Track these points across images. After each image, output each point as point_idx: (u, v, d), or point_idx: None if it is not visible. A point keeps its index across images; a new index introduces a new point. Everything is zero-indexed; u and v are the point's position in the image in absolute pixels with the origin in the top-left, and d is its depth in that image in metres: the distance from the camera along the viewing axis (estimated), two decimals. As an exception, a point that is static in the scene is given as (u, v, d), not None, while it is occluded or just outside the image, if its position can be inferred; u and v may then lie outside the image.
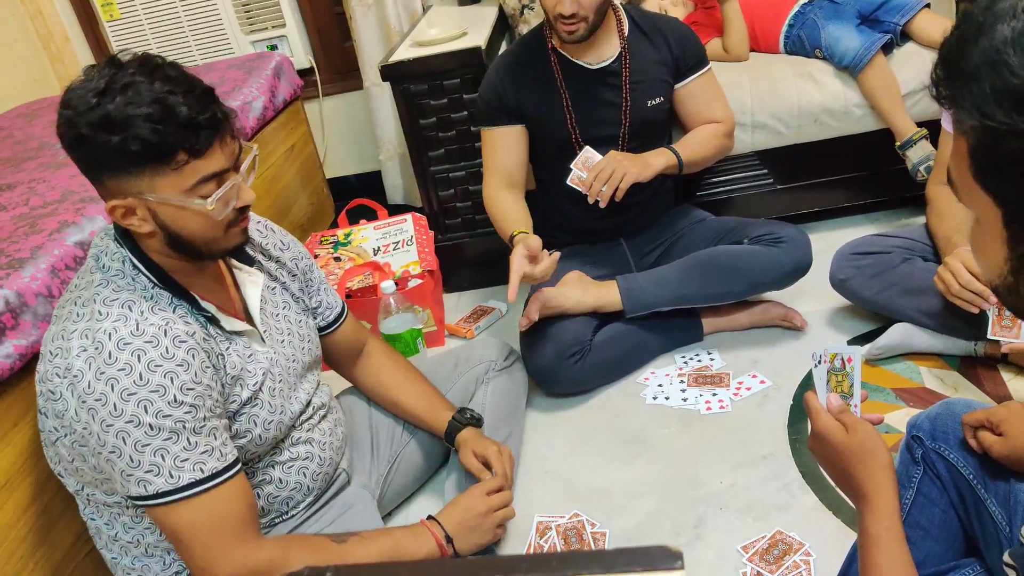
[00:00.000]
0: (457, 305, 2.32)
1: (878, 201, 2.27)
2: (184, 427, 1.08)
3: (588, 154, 1.79)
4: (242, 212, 1.15)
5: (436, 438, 1.54)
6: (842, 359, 0.97)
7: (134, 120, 1.00)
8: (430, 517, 1.36)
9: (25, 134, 2.28)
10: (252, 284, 1.28)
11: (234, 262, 1.28)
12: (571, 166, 1.79)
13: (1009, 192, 0.54)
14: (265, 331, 1.27)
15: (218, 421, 1.13)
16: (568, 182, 1.79)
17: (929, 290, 1.62)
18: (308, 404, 1.35)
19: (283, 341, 1.30)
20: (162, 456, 1.07)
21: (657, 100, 1.87)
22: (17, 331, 1.30)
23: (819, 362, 0.98)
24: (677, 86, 1.90)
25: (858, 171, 2.20)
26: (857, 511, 0.91)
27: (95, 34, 3.08)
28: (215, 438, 1.12)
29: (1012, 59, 0.50)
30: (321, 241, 2.30)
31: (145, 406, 1.05)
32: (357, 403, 1.58)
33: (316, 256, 2.22)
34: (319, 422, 1.37)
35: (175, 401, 1.07)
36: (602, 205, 1.75)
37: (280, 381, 1.26)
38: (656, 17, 1.93)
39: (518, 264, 1.62)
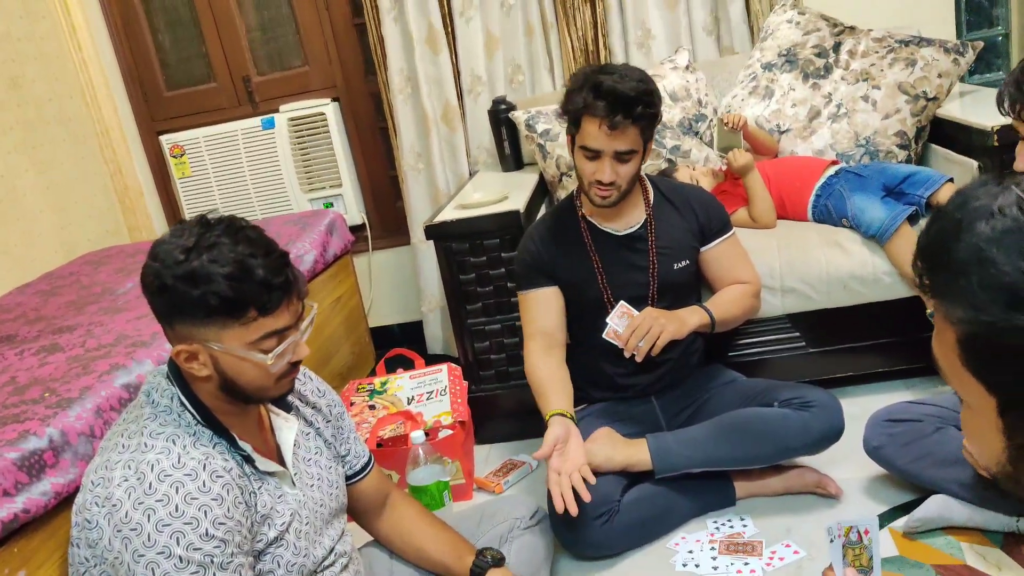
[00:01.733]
0: (488, 458, 2.32)
1: (914, 367, 2.25)
2: (212, 562, 1.10)
3: (624, 308, 1.84)
4: (294, 365, 1.24)
5: None
6: (858, 532, 0.95)
7: (215, 277, 1.11)
8: None
9: (91, 280, 2.43)
10: (288, 429, 1.34)
11: (272, 407, 1.34)
12: (607, 320, 1.84)
13: (1004, 382, 0.55)
14: (296, 474, 1.31)
15: (244, 559, 1.16)
16: (604, 335, 1.84)
17: (962, 461, 1.58)
18: (332, 551, 1.35)
19: (312, 486, 1.33)
20: None
21: (683, 263, 1.94)
22: (56, 469, 1.36)
23: (834, 537, 0.96)
24: (703, 249, 1.98)
25: (892, 336, 2.21)
26: None
27: (167, 189, 3.34)
28: (239, 575, 1.14)
29: (997, 257, 0.52)
30: (358, 389, 2.35)
31: (178, 538, 1.08)
32: (379, 556, 1.57)
33: (352, 404, 2.27)
34: (340, 571, 1.37)
35: (207, 535, 1.10)
36: (638, 359, 1.78)
37: (307, 524, 1.29)
38: (682, 186, 2.04)
39: (552, 444, 1.66)
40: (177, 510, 1.09)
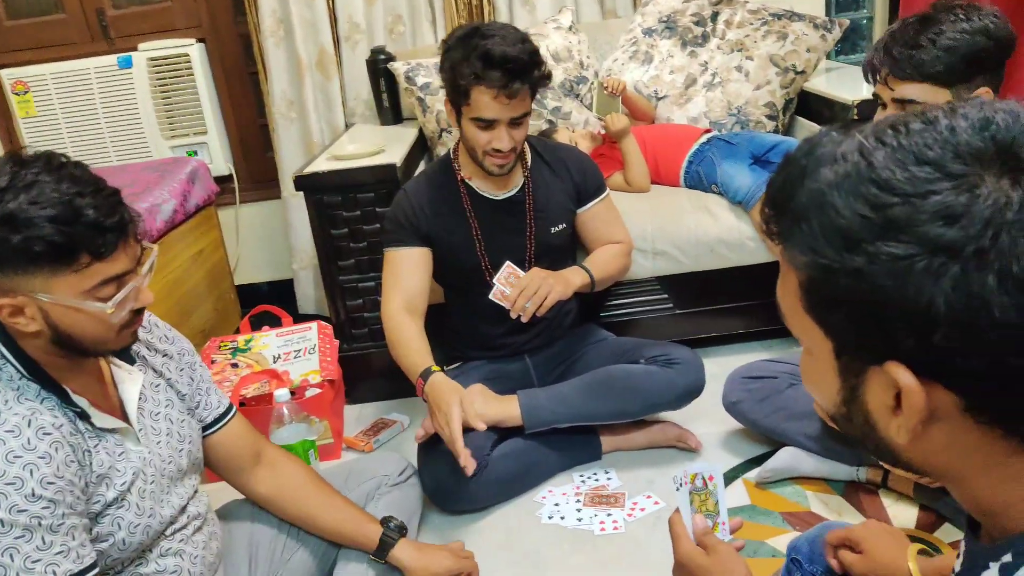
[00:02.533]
0: (359, 416, 2.27)
1: (774, 329, 2.36)
2: (40, 524, 1.01)
3: (510, 269, 1.82)
4: (137, 314, 1.14)
5: (327, 552, 1.48)
6: (703, 478, 0.98)
7: (38, 221, 0.98)
8: None
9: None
10: (131, 382, 1.24)
11: (114, 359, 1.24)
12: (494, 281, 1.82)
13: (839, 325, 0.56)
14: (141, 430, 1.21)
15: (77, 520, 1.07)
16: (491, 296, 1.80)
17: (812, 414, 1.68)
18: (183, 511, 1.27)
19: (160, 442, 1.24)
20: (11, 556, 1.00)
21: (560, 227, 1.94)
22: None
23: (680, 484, 0.98)
24: (579, 211, 1.99)
25: (754, 299, 2.30)
26: None
27: (9, 129, 3.04)
28: (72, 538, 1.05)
29: (837, 200, 0.53)
30: (220, 347, 2.24)
31: None
32: (238, 519, 1.50)
33: (213, 362, 2.16)
34: (193, 533, 1.29)
35: (33, 495, 1.01)
36: (524, 319, 1.76)
37: (152, 483, 1.20)
38: (557, 147, 2.03)
39: (456, 425, 1.62)
40: None
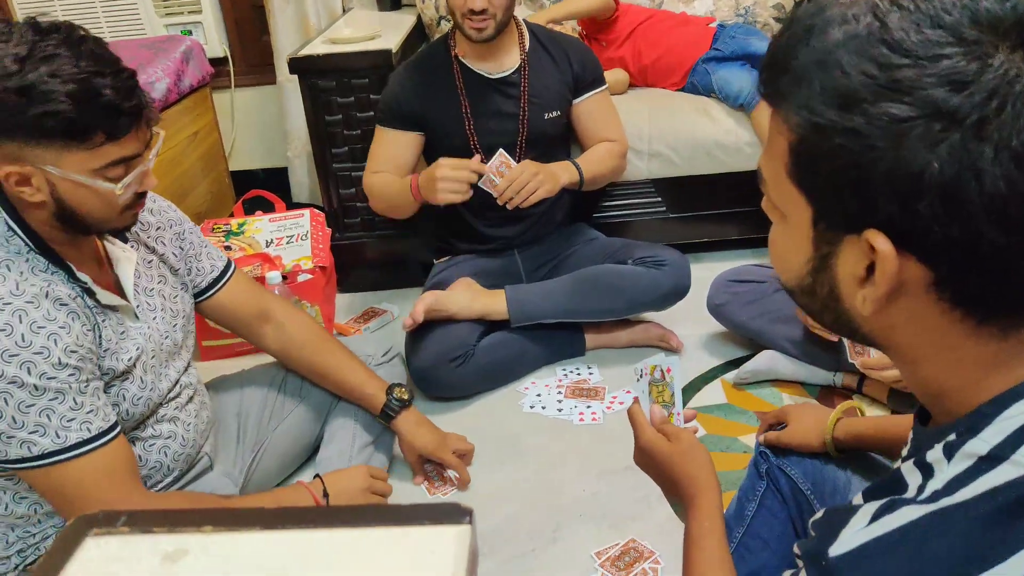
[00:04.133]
0: (351, 305, 2.30)
1: (763, 236, 2.36)
2: (70, 388, 1.07)
3: (503, 159, 1.81)
4: (140, 196, 1.16)
5: (316, 417, 1.56)
6: (661, 371, 1.00)
7: (56, 95, 0.98)
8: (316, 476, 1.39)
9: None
10: (126, 260, 1.26)
11: (109, 237, 1.25)
12: (486, 168, 1.80)
13: (822, 188, 0.56)
14: (138, 307, 1.25)
15: (99, 383, 1.14)
16: (480, 183, 1.80)
17: (795, 319, 1.71)
18: (177, 383, 1.32)
19: (156, 318, 1.28)
20: (48, 416, 1.06)
21: (554, 114, 1.92)
22: None
23: (640, 375, 1.01)
24: (575, 102, 1.96)
25: (747, 206, 2.30)
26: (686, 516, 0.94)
27: (-3, -1, 2.95)
28: (98, 399, 1.12)
29: (843, 59, 0.52)
30: (213, 229, 2.25)
31: (29, 368, 1.04)
32: (227, 389, 1.56)
33: (206, 244, 2.17)
34: (186, 402, 1.35)
35: (59, 363, 1.06)
36: (510, 207, 1.76)
37: (153, 357, 1.25)
38: (558, 35, 1.99)
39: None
40: (23, 339, 1.03)
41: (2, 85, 0.98)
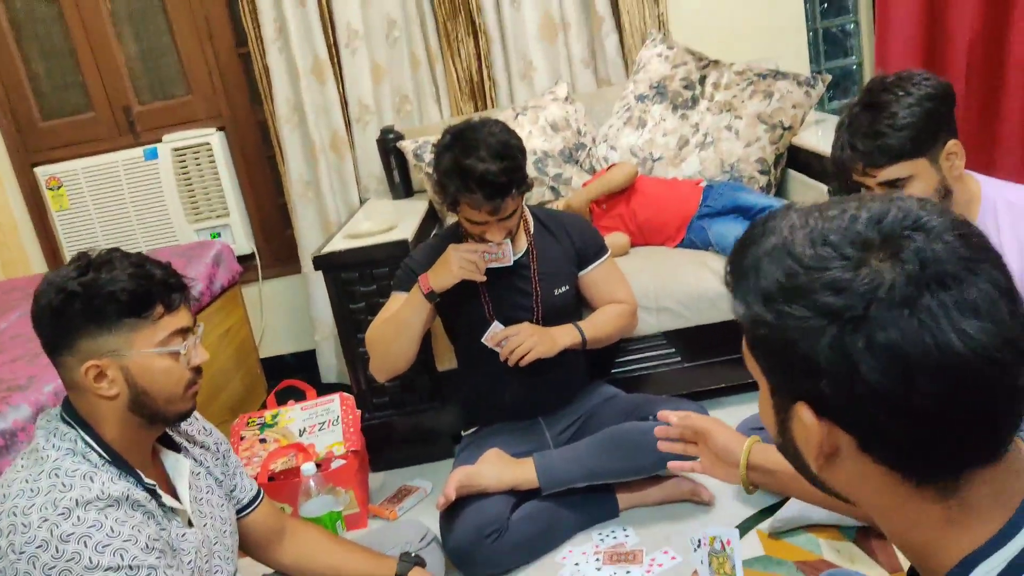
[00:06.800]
0: (384, 485, 2.34)
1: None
2: (157, 568, 1.14)
3: (498, 327, 1.95)
4: (198, 373, 1.28)
5: None
6: (721, 541, 1.03)
7: (119, 278, 1.17)
8: None
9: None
10: (180, 467, 1.35)
11: (162, 447, 1.34)
12: (491, 326, 1.95)
13: (766, 368, 0.68)
14: (193, 513, 1.32)
15: (179, 574, 1.20)
16: (483, 339, 1.93)
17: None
18: None
19: (207, 524, 1.35)
20: None
21: (564, 288, 2.04)
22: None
23: (698, 546, 1.04)
24: (581, 274, 2.09)
25: (760, 349, 2.37)
26: None
27: (44, 223, 3.21)
28: None
29: (765, 266, 0.65)
30: (248, 423, 2.34)
31: (121, 554, 1.12)
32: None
33: (242, 438, 2.26)
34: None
35: (147, 548, 1.15)
36: (509, 364, 1.89)
37: (205, 562, 1.31)
38: (558, 214, 2.15)
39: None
40: (113, 531, 1.12)
41: (75, 281, 1.16)
